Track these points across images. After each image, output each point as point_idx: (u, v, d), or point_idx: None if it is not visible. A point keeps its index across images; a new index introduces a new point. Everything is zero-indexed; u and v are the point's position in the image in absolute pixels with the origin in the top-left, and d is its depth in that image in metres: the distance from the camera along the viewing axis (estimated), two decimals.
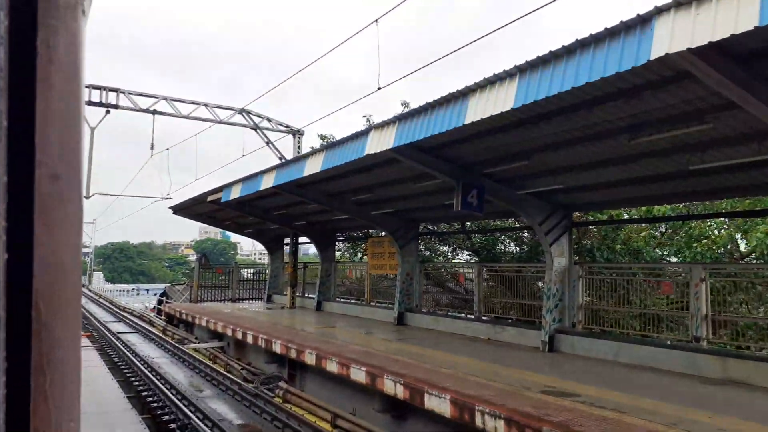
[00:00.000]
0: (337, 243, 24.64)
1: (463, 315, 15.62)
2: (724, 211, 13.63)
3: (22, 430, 0.61)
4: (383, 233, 22.33)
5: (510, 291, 15.05)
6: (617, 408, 7.32)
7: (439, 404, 8.23)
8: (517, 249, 18.52)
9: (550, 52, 6.46)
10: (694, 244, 14.69)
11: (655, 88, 6.96)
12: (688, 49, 5.01)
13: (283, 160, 22.99)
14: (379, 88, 9.84)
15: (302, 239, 25.04)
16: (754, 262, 14.21)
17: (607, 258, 14.89)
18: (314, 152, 12.76)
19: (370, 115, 23.53)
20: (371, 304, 20.14)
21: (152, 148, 22.89)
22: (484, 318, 14.69)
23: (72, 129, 0.66)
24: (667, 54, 5.13)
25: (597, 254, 14.91)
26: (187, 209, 25.58)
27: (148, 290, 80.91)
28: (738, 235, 14.20)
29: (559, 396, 8.04)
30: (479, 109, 7.80)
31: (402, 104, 23.81)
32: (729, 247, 14.17)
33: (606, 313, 12.21)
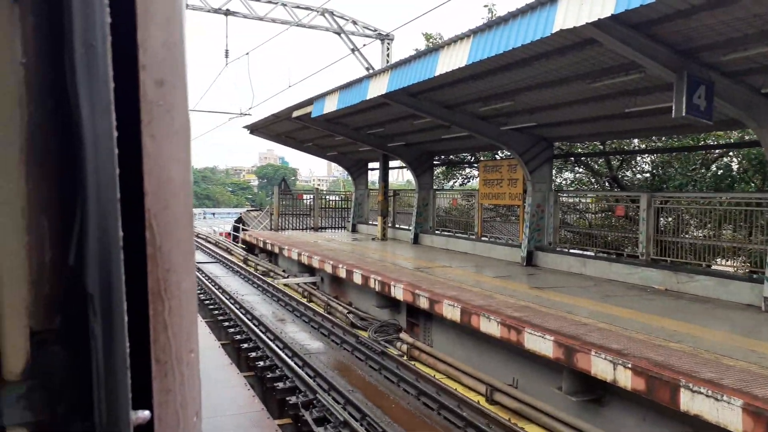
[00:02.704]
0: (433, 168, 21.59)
1: (621, 257, 12.48)
2: None
3: (144, 361, 0.55)
4: (501, 156, 19.15)
5: (688, 228, 11.72)
6: None
7: (714, 409, 5.32)
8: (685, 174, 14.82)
9: None
10: None
11: None
12: None
13: (371, 70, 19.69)
14: None
15: (392, 163, 22.15)
16: None
17: None
18: (454, 40, 9.49)
19: (493, 4, 19.54)
20: (482, 239, 17.24)
21: (227, 55, 20.08)
22: (657, 261, 11.48)
23: (174, 26, 0.55)
24: None
25: None
26: (266, 128, 22.97)
27: (213, 214, 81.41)
28: None
29: None
30: None
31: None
32: None
33: None
